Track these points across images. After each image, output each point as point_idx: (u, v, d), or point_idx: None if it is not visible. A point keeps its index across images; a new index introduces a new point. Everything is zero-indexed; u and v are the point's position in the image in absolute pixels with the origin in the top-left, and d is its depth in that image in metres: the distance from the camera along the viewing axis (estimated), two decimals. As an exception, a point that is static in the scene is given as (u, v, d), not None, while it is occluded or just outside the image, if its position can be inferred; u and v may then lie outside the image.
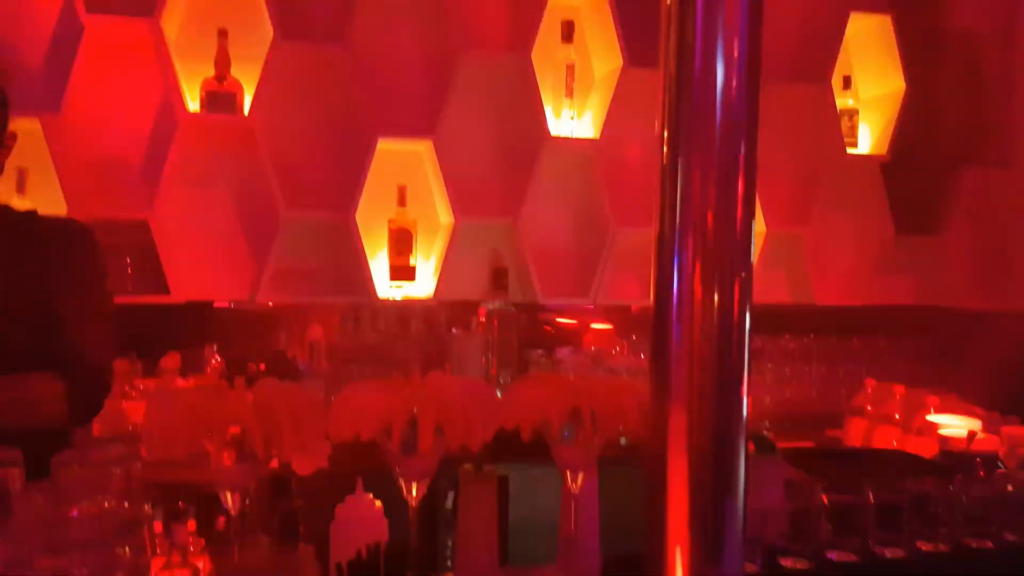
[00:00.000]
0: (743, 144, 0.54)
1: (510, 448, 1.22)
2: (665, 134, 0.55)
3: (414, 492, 1.12)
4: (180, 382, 2.27)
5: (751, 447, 1.25)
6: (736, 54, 0.53)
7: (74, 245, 1.68)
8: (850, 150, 3.01)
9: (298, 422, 1.02)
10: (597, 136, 2.74)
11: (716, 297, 0.54)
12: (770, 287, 2.95)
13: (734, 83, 0.53)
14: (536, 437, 1.18)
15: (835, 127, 2.97)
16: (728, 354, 0.54)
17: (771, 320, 2.96)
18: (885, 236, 3.04)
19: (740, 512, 0.54)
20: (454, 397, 1.08)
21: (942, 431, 1.80)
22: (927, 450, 1.79)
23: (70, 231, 1.72)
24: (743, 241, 0.54)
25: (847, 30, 2.96)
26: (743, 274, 0.54)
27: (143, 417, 1.01)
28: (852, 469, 1.71)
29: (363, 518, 1.26)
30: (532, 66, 2.66)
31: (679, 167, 0.54)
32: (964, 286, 3.07)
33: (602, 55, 2.83)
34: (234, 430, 1.00)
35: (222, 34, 2.48)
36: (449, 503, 1.40)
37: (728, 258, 0.54)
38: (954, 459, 1.66)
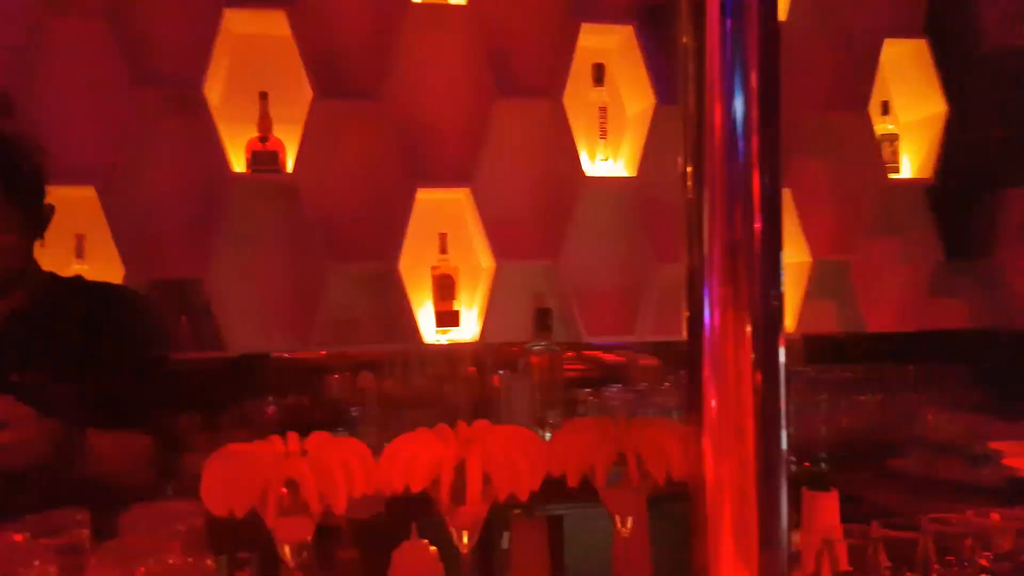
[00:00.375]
0: (766, 175, 0.55)
1: (562, 490, 1.21)
2: (688, 169, 0.56)
3: (464, 540, 1.12)
4: (238, 434, 2.32)
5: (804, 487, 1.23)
6: (754, 85, 0.54)
7: (120, 309, 1.70)
8: (892, 176, 2.98)
9: (350, 474, 1.03)
10: (634, 174, 2.76)
11: (748, 328, 0.54)
12: (820, 317, 2.90)
13: (754, 114, 0.54)
14: (584, 481, 1.17)
15: (876, 153, 2.94)
16: (763, 386, 0.54)
17: (824, 350, 2.92)
18: (935, 260, 2.99)
19: (784, 550, 0.53)
20: (499, 446, 1.08)
21: (1006, 459, 1.75)
22: (990, 480, 1.74)
23: (116, 295, 1.75)
24: (772, 271, 0.55)
25: (882, 55, 2.95)
26: (774, 303, 0.55)
27: (203, 474, 1.03)
28: (912, 501, 1.66)
29: (419, 564, 1.27)
30: (564, 110, 2.69)
31: (703, 201, 0.55)
32: (1017, 309, 2.99)
33: (633, 94, 2.86)
34: (289, 483, 1.01)
35: (263, 96, 2.56)
36: (504, 543, 1.40)
37: (758, 289, 0.55)
38: (1020, 488, 1.60)
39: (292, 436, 1.06)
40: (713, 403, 0.53)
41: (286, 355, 2.67)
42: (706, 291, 0.55)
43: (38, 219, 1.62)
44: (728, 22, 0.54)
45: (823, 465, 2.45)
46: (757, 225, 0.53)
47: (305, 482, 1.00)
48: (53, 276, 1.73)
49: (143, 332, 1.73)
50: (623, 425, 1.18)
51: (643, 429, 1.16)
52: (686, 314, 0.57)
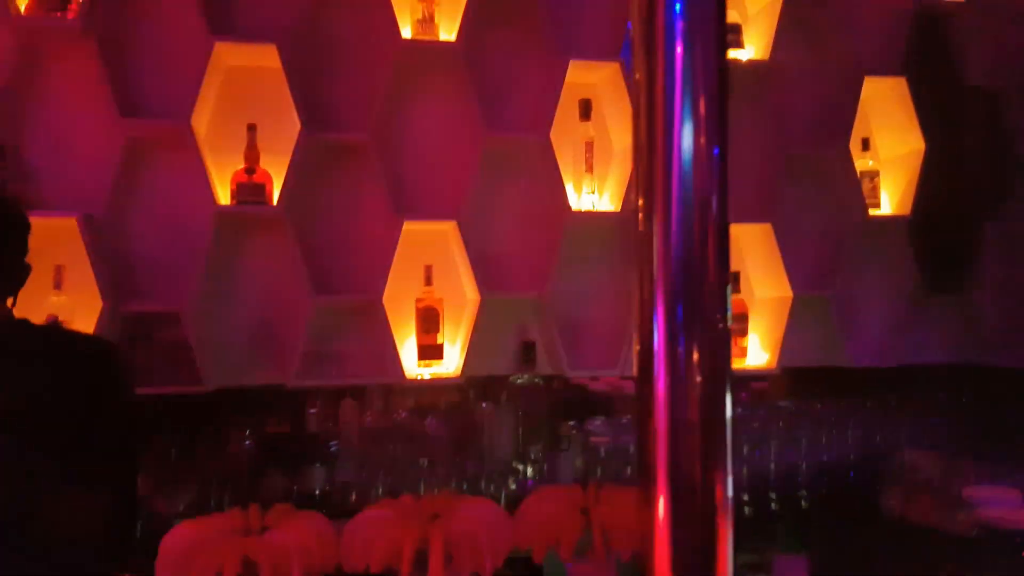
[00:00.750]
0: (714, 201, 0.55)
1: (528, 565, 1.19)
2: (640, 202, 0.56)
3: (428, 616, 1.11)
4: (213, 466, 2.30)
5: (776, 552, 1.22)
6: (703, 116, 0.55)
7: (96, 368, 1.57)
8: (873, 211, 3.02)
9: (309, 555, 1.02)
10: (619, 209, 2.78)
11: (695, 357, 0.54)
12: (801, 351, 2.92)
13: (702, 145, 0.55)
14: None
15: (856, 189, 2.98)
16: (709, 422, 0.54)
17: (805, 384, 2.93)
18: (914, 295, 3.02)
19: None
20: (463, 522, 1.07)
21: (982, 508, 1.75)
22: (965, 527, 1.74)
23: (92, 352, 1.60)
24: (719, 301, 0.55)
25: (863, 93, 3.00)
26: (720, 333, 0.54)
27: (159, 553, 1.01)
28: (890, 551, 1.66)
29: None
30: (551, 146, 2.72)
31: (653, 231, 0.55)
32: (994, 344, 3.02)
33: (620, 130, 2.89)
34: (246, 562, 1.00)
35: (251, 128, 2.57)
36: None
37: (706, 319, 0.55)
38: (995, 537, 1.60)
39: (253, 510, 1.06)
40: (660, 440, 0.53)
41: (266, 388, 2.65)
42: (654, 322, 0.55)
43: (13, 280, 1.56)
44: (677, 55, 0.55)
45: (803, 503, 2.45)
46: (710, 251, 0.54)
47: (262, 564, 0.99)
48: (23, 323, 1.60)
49: (115, 393, 1.58)
50: (592, 494, 1.17)
51: (611, 499, 1.15)
52: (636, 348, 0.57)
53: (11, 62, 2.41)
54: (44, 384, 1.50)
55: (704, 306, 0.54)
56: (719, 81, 0.55)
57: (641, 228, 0.55)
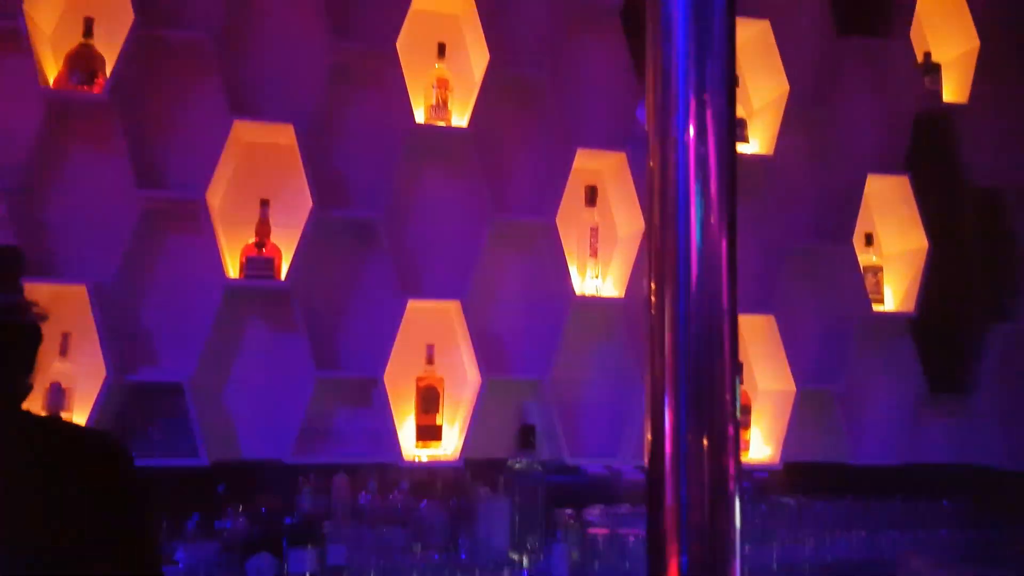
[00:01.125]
0: (724, 286, 0.55)
1: None
2: (652, 286, 0.56)
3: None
4: (204, 545, 2.25)
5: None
6: (714, 207, 0.55)
7: (105, 469, 1.43)
8: (877, 307, 3.02)
9: None
10: (622, 295, 2.79)
11: (706, 447, 0.53)
12: (805, 446, 2.88)
13: (713, 236, 0.55)
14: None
15: (859, 285, 2.99)
16: (716, 518, 0.53)
17: (808, 480, 2.88)
18: (918, 393, 3.00)
19: None
20: None
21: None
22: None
23: (99, 449, 1.45)
24: (730, 390, 0.55)
25: (866, 189, 3.04)
26: (731, 426, 0.54)
27: None
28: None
29: None
30: (557, 231, 2.75)
31: (664, 319, 0.55)
32: (997, 446, 2.98)
33: (625, 217, 2.93)
34: None
35: (264, 204, 2.62)
36: None
37: (716, 408, 0.54)
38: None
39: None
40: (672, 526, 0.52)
41: (262, 463, 2.62)
42: (664, 411, 0.54)
43: (15, 397, 1.42)
44: (690, 144, 0.56)
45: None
46: (722, 338, 0.54)
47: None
48: (25, 414, 1.45)
49: (130, 495, 1.44)
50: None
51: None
52: (648, 437, 0.57)
53: (37, 131, 2.47)
54: (58, 486, 1.37)
55: (716, 396, 0.54)
56: (729, 171, 0.57)
57: (653, 312, 0.56)
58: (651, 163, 0.58)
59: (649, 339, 0.57)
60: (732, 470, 0.54)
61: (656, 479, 0.55)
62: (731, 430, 0.55)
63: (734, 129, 0.58)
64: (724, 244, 0.57)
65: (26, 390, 1.42)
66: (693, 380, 0.54)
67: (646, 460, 0.57)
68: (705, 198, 0.55)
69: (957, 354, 3.08)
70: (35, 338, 1.43)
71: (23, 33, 2.43)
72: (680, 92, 0.56)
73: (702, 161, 0.56)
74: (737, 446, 0.55)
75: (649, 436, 0.57)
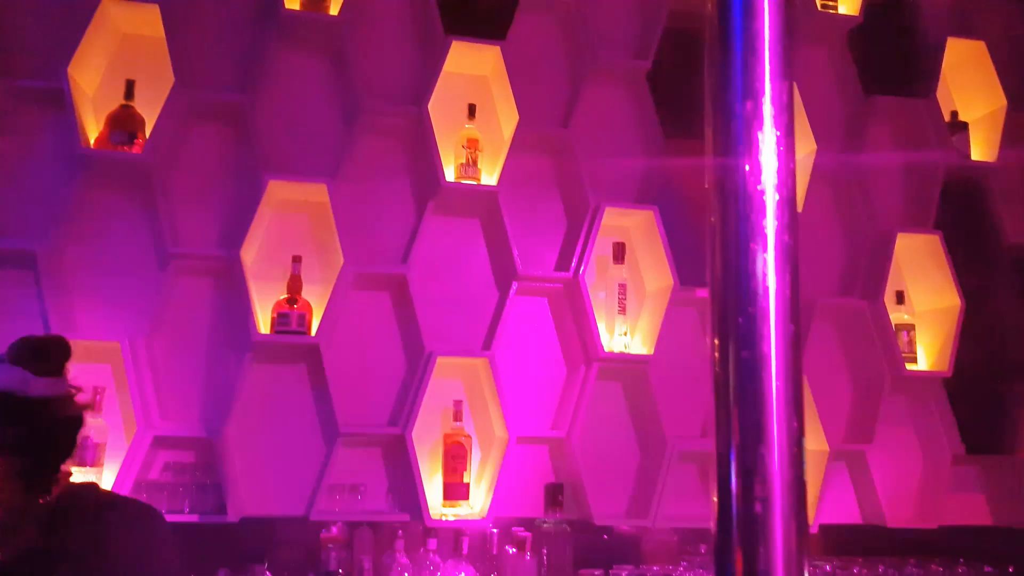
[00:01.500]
0: (788, 355, 0.54)
1: None
2: (715, 342, 0.55)
3: None
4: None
5: None
6: (776, 260, 0.54)
7: (142, 536, 1.50)
8: (909, 366, 2.97)
9: None
10: (651, 352, 2.78)
11: (779, 516, 0.52)
12: (839, 507, 2.82)
13: (776, 290, 0.54)
14: None
15: (892, 343, 2.95)
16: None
17: (842, 542, 2.81)
18: (954, 453, 2.93)
19: None
20: None
21: None
22: None
23: (137, 517, 1.52)
24: (799, 454, 0.53)
25: (896, 247, 3.02)
26: (800, 492, 0.53)
27: None
28: None
29: None
30: (584, 289, 2.75)
31: (730, 381, 0.54)
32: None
33: (653, 274, 2.92)
34: None
35: (296, 260, 2.65)
36: None
37: (789, 475, 0.53)
38: None
39: None
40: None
41: (287, 520, 2.60)
42: (731, 478, 0.53)
43: (49, 483, 1.48)
44: (748, 197, 0.56)
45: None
46: (791, 399, 0.53)
47: None
48: (65, 497, 1.49)
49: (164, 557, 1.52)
50: None
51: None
52: (714, 499, 0.55)
53: (77, 189, 2.53)
54: (87, 547, 1.43)
55: (784, 455, 0.53)
56: (791, 228, 0.56)
57: (717, 370, 0.55)
58: (712, 218, 0.58)
59: (716, 402, 0.56)
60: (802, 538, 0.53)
61: (724, 544, 0.53)
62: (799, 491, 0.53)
63: (794, 184, 0.58)
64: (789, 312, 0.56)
65: (67, 474, 1.50)
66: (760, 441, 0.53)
67: (712, 524, 0.55)
68: (764, 250, 0.55)
69: (993, 413, 3.02)
70: (79, 424, 1.52)
71: (66, 94, 2.51)
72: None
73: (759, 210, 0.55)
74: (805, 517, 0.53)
75: (715, 499, 0.55)
